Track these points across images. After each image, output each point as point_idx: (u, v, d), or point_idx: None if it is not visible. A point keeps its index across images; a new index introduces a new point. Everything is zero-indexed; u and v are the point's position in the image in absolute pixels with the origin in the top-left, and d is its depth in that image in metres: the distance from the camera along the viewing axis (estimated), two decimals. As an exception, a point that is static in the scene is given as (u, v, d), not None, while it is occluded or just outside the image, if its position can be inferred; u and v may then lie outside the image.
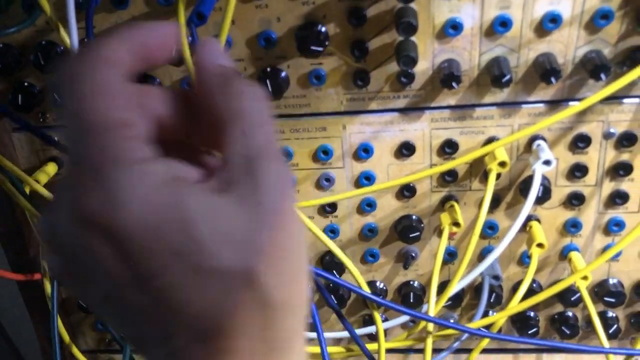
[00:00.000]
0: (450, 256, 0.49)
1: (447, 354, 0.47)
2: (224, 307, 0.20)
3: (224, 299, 0.20)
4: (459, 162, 0.43)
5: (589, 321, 0.50)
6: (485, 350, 0.52)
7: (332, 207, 0.49)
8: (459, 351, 0.52)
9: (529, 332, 0.50)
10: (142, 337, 0.22)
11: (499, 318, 0.44)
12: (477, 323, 0.44)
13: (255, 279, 0.20)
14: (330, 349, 0.48)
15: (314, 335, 0.43)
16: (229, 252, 0.20)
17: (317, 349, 0.42)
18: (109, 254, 0.20)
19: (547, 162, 0.42)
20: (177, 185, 0.21)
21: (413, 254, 0.49)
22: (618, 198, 0.46)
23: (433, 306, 0.43)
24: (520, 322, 0.50)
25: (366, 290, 0.44)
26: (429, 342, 0.43)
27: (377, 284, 0.51)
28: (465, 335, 0.46)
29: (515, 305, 0.43)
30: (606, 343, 0.44)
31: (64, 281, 0.25)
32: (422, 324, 0.45)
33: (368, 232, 0.49)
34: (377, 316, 0.44)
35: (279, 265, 0.21)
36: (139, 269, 0.20)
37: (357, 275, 0.43)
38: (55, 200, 0.22)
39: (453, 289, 0.43)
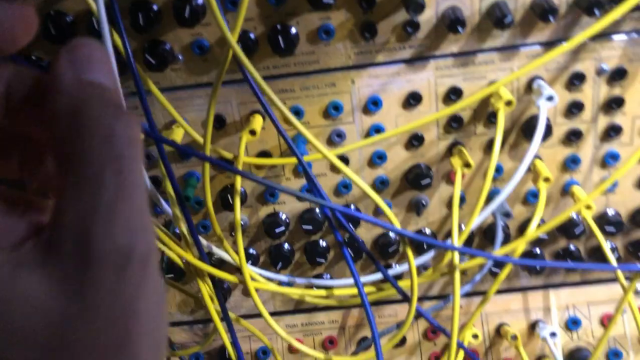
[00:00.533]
0: (460, 201, 0.51)
1: (470, 287, 0.49)
2: None
3: None
4: (466, 104, 0.45)
5: (591, 254, 0.53)
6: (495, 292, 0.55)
7: (344, 161, 0.50)
8: (472, 294, 0.54)
9: (537, 269, 0.53)
10: None
11: (519, 244, 0.46)
12: (499, 251, 0.46)
13: None
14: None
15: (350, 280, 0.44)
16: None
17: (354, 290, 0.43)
18: None
19: (550, 98, 0.44)
20: None
21: (424, 202, 0.51)
22: (612, 131, 0.49)
23: (457, 237, 0.45)
24: (528, 259, 0.53)
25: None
26: (457, 275, 0.45)
27: (390, 234, 0.53)
28: (489, 265, 0.48)
29: (533, 232, 0.46)
30: (614, 262, 0.47)
31: None
32: (447, 258, 0.47)
33: (380, 185, 0.51)
34: (410, 252, 0.45)
35: None
36: None
37: (390, 215, 0.45)
38: None
39: (473, 222, 0.45)
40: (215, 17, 0.38)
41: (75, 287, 0.15)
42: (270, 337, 0.56)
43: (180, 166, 0.50)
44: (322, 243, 0.53)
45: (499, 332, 0.55)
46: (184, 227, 0.43)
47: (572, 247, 0.53)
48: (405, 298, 0.46)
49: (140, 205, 0.17)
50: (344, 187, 0.51)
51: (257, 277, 0.48)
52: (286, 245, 0.53)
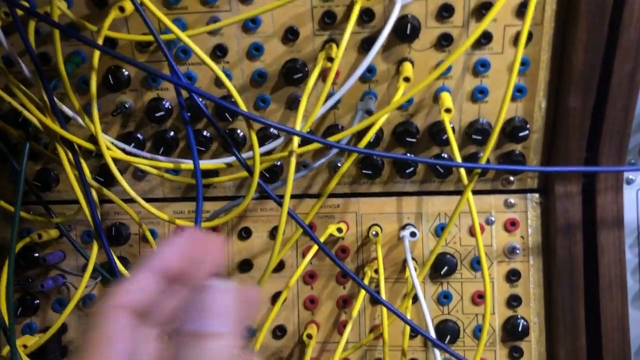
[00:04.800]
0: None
1: (306, 172, 0.51)
2: None
3: None
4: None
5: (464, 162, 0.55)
6: (372, 194, 0.57)
7: (222, 51, 0.52)
8: (350, 195, 0.56)
9: (408, 172, 0.55)
10: None
11: (377, 119, 0.47)
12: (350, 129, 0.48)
13: None
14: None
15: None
16: None
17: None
18: None
19: (407, -6, 0.45)
20: None
21: (300, 98, 0.53)
22: (483, 38, 0.50)
23: (301, 124, 0.47)
24: (400, 164, 0.55)
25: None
26: (293, 159, 0.47)
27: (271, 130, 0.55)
28: (333, 152, 0.50)
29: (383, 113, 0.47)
30: (465, 180, 0.49)
31: None
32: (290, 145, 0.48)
33: (258, 78, 0.53)
34: (253, 135, 0.47)
35: None
36: None
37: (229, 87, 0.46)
38: None
39: (317, 112, 0.47)
40: None
41: None
42: (159, 221, 0.58)
43: (67, 44, 0.52)
44: (206, 133, 0.55)
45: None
46: (44, 94, 0.46)
47: (444, 154, 0.54)
48: (249, 171, 0.48)
49: None
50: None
51: (113, 148, 0.51)
52: (171, 133, 0.55)
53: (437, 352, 0.49)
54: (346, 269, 0.51)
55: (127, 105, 0.54)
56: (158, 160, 0.52)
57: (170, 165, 0.51)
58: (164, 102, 0.54)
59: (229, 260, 0.59)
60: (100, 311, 0.24)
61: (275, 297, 0.59)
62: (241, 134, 0.55)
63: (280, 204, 0.48)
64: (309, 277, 0.58)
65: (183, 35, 0.44)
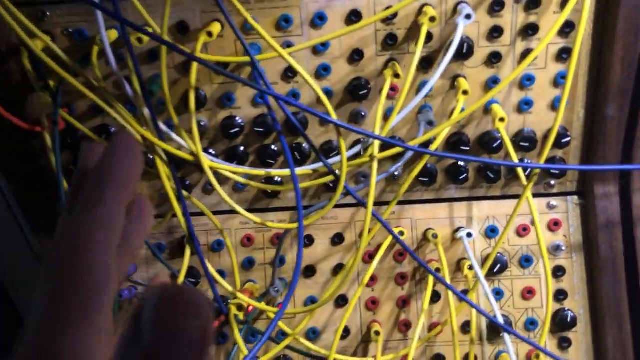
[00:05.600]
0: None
1: (386, 174, 0.56)
2: None
3: None
4: (398, 8, 0.51)
5: (510, 169, 0.60)
6: (423, 201, 0.62)
7: (292, 73, 0.57)
8: (404, 203, 0.61)
9: (460, 179, 0.60)
10: None
11: (440, 131, 0.53)
12: (418, 140, 0.53)
13: None
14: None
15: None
16: None
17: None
18: None
19: (468, 16, 0.51)
20: None
21: (363, 113, 0.58)
22: (528, 55, 0.56)
23: (380, 128, 0.52)
24: (452, 172, 0.60)
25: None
26: (375, 165, 0.52)
27: (333, 142, 0.60)
28: (409, 154, 0.55)
29: (454, 118, 0.52)
30: (524, 181, 0.54)
31: None
32: (371, 150, 0.54)
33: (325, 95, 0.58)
34: (342, 141, 0.53)
35: None
36: None
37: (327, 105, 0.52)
38: None
39: (394, 119, 0.52)
40: None
41: None
42: (228, 231, 0.63)
43: (147, 68, 0.57)
44: (274, 147, 0.60)
45: (426, 237, 0.62)
46: (145, 112, 0.50)
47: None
48: (335, 176, 0.53)
49: None
50: (293, 95, 0.58)
51: (212, 164, 0.55)
52: (241, 148, 0.60)
53: (507, 337, 0.54)
54: (434, 273, 0.55)
55: (202, 124, 0.59)
56: (255, 170, 0.57)
57: (262, 173, 0.56)
58: (237, 120, 0.59)
59: (294, 266, 0.63)
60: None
61: (338, 300, 0.63)
62: (306, 147, 0.60)
63: (364, 205, 0.53)
64: (370, 280, 0.63)
65: (288, 57, 0.50)
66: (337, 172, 0.54)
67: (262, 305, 0.59)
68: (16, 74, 0.55)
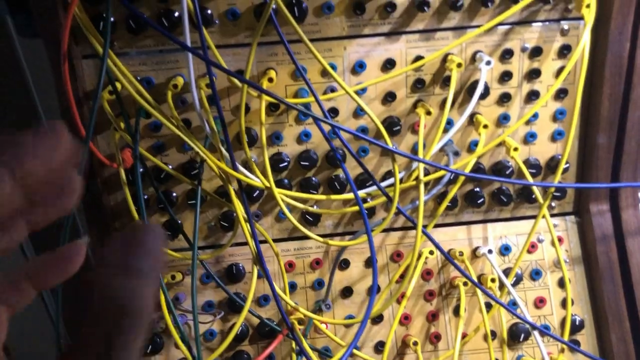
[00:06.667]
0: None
1: (435, 191, 0.64)
2: None
3: None
4: (427, 60, 0.61)
5: (519, 193, 0.70)
6: (441, 225, 0.70)
7: (334, 112, 0.65)
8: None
9: (478, 203, 0.69)
10: None
11: (469, 160, 0.61)
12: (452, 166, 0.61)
13: None
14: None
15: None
16: None
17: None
18: None
19: (488, 62, 0.61)
20: None
21: (394, 146, 0.67)
22: (532, 95, 0.66)
23: (423, 151, 0.60)
24: (471, 197, 0.69)
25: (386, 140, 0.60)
26: (422, 185, 0.60)
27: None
28: (447, 177, 0.63)
29: (478, 151, 0.61)
30: (537, 191, 0.63)
31: None
32: (415, 173, 0.62)
33: (361, 132, 0.66)
34: (396, 166, 0.60)
35: None
36: None
37: (386, 137, 0.59)
38: None
39: (434, 148, 0.60)
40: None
41: None
42: (268, 259, 0.68)
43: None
44: (314, 179, 0.67)
45: (452, 255, 0.70)
46: (221, 146, 0.57)
47: (504, 187, 0.69)
48: (389, 199, 0.61)
49: None
50: (333, 133, 0.65)
51: (283, 191, 0.62)
52: (285, 180, 0.67)
53: (536, 333, 0.62)
54: (482, 288, 0.63)
55: (253, 160, 0.65)
56: (323, 196, 0.64)
57: (332, 198, 0.62)
58: (283, 156, 0.66)
59: (332, 288, 0.69)
60: None
61: (375, 320, 0.69)
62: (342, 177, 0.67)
63: (414, 223, 0.60)
64: (401, 297, 0.69)
65: (356, 97, 0.58)
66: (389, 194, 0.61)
67: (339, 320, 0.65)
68: (85, 118, 0.61)
